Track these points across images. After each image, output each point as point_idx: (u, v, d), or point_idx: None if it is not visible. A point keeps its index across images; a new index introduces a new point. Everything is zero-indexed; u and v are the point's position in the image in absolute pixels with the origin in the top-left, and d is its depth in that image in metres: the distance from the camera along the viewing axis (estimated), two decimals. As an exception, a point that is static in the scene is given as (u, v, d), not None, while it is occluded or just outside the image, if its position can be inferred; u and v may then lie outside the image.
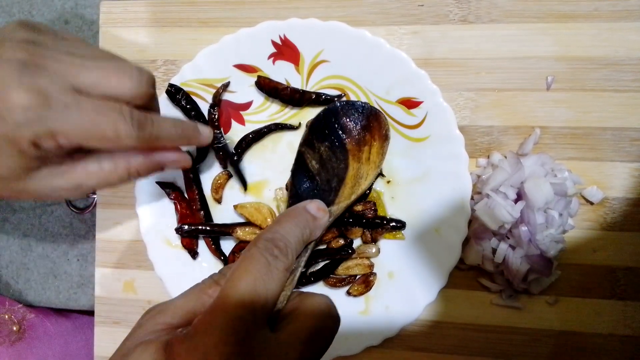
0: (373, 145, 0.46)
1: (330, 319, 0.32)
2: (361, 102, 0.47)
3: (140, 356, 0.28)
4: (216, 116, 0.49)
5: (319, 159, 0.46)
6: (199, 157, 0.50)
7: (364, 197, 0.49)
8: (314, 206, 0.39)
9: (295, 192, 0.45)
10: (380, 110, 0.47)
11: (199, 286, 0.33)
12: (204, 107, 0.50)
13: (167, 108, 0.50)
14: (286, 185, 0.49)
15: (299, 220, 0.37)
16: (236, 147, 0.50)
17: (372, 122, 0.46)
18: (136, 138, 0.35)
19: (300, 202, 0.40)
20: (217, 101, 0.49)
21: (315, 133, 0.46)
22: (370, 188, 0.49)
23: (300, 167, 0.46)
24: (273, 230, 0.35)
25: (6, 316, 0.56)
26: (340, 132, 0.46)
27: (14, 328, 0.55)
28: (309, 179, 0.45)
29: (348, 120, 0.46)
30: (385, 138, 0.46)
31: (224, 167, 0.50)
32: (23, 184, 0.35)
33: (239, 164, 0.50)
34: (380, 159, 0.46)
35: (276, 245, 0.33)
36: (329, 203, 0.44)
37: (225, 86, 0.49)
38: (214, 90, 0.50)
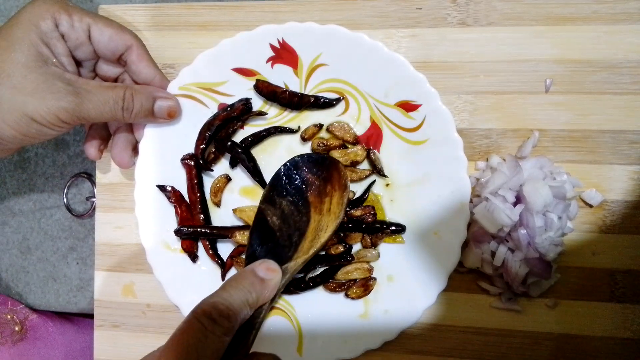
0: (334, 195, 0.46)
1: None
2: (319, 154, 0.47)
3: None
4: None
5: (280, 214, 0.46)
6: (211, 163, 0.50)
7: (361, 202, 0.49)
8: (263, 267, 0.40)
9: (252, 251, 0.45)
10: (339, 161, 0.47)
11: None
12: (203, 111, 0.50)
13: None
14: None
15: (244, 285, 0.37)
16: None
17: (333, 172, 0.47)
18: None
19: (250, 264, 0.40)
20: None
21: (275, 189, 0.46)
22: (368, 191, 0.49)
23: (259, 225, 0.46)
24: (215, 295, 0.35)
25: (8, 316, 0.56)
26: (302, 184, 0.46)
27: (16, 328, 0.55)
28: (268, 236, 0.45)
29: (308, 172, 0.47)
30: (344, 188, 0.46)
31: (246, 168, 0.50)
32: None
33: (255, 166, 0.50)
34: (340, 209, 0.46)
35: (216, 308, 0.33)
36: (286, 259, 0.44)
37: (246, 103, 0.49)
38: (212, 94, 0.50)
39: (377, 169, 0.48)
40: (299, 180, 0.47)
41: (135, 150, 0.50)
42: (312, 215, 0.46)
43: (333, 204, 0.46)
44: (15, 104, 0.39)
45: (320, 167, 0.47)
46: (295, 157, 0.47)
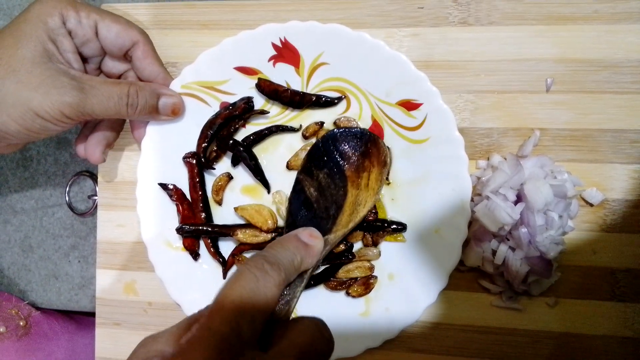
0: (372, 171, 0.46)
1: (321, 341, 0.32)
2: (360, 129, 0.47)
3: None
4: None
5: (318, 187, 0.46)
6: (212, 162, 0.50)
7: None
8: (307, 233, 0.39)
9: (292, 220, 0.45)
10: (379, 137, 0.47)
11: (193, 316, 0.32)
12: (205, 110, 0.50)
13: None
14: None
15: (290, 246, 0.37)
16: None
17: (371, 148, 0.46)
18: None
19: (292, 231, 0.40)
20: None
21: (313, 161, 0.46)
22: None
23: (297, 194, 0.46)
24: (263, 252, 0.34)
25: (13, 312, 0.56)
26: (339, 158, 0.46)
27: (21, 323, 0.55)
28: (306, 206, 0.45)
29: (347, 146, 0.46)
30: (384, 164, 0.46)
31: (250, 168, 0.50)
32: None
33: (258, 166, 0.50)
34: (379, 185, 0.46)
35: (267, 260, 0.32)
36: (326, 231, 0.43)
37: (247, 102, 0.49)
38: (214, 93, 0.50)
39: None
40: (336, 153, 0.46)
41: (110, 147, 0.50)
42: (350, 190, 0.46)
43: (371, 180, 0.46)
44: (20, 99, 0.39)
45: (359, 141, 0.46)
46: (334, 129, 0.47)
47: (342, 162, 0.46)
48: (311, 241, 0.38)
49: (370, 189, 0.46)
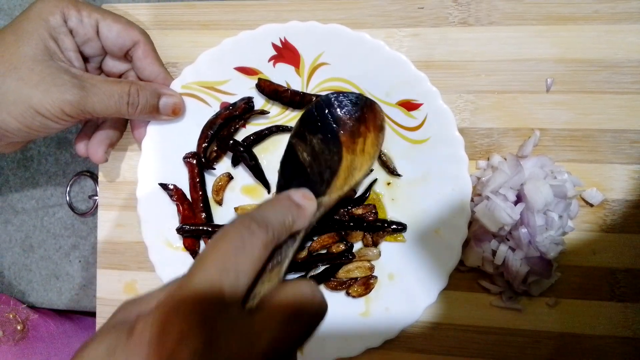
0: (368, 136, 0.45)
1: (312, 301, 0.30)
2: (355, 93, 0.46)
3: (103, 339, 0.27)
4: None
5: (311, 151, 0.44)
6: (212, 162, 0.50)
7: (362, 200, 0.49)
8: (300, 194, 0.37)
9: (284, 182, 0.44)
10: (375, 102, 0.46)
11: (176, 278, 0.30)
12: (205, 110, 0.50)
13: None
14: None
15: (281, 206, 0.35)
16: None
17: (367, 113, 0.45)
18: None
19: (285, 191, 0.38)
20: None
21: (307, 125, 0.45)
22: (369, 190, 0.49)
23: (290, 158, 0.45)
24: (252, 211, 0.33)
25: (10, 315, 0.56)
26: (334, 124, 0.45)
27: (18, 327, 0.55)
28: (299, 170, 0.44)
29: (341, 111, 0.45)
30: (380, 129, 0.45)
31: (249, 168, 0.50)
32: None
33: (258, 166, 0.50)
34: (375, 150, 0.45)
35: (254, 220, 0.31)
36: (319, 193, 0.42)
37: (247, 102, 0.49)
38: (214, 93, 0.50)
39: (390, 169, 0.48)
40: (330, 118, 0.45)
41: (112, 146, 0.50)
42: (344, 155, 0.44)
43: (367, 145, 0.44)
44: (21, 96, 0.40)
45: (354, 106, 0.45)
46: (329, 93, 0.46)
47: (336, 127, 0.45)
48: (304, 202, 0.37)
49: (366, 154, 0.44)
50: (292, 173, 0.44)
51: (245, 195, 0.51)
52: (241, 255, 0.29)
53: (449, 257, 0.46)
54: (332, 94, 0.46)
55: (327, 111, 0.45)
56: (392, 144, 0.49)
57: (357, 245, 0.49)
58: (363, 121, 0.45)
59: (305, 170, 0.44)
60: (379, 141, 0.45)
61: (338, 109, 0.45)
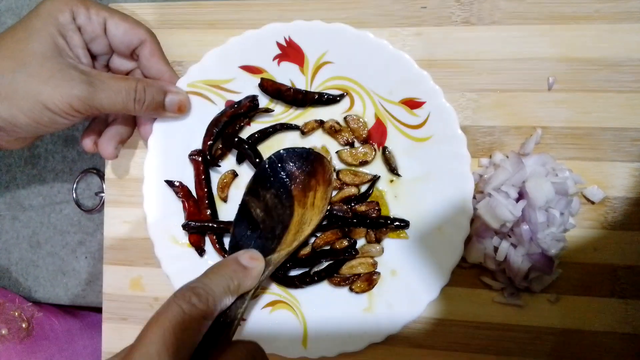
0: (318, 189, 0.47)
1: None
2: (305, 148, 0.48)
3: None
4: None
5: (264, 207, 0.46)
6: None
7: (365, 197, 0.49)
8: (247, 256, 0.39)
9: (236, 242, 0.45)
10: (324, 156, 0.48)
11: (119, 353, 0.31)
12: (210, 108, 0.51)
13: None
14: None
15: (226, 271, 0.37)
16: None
17: (317, 166, 0.47)
18: None
19: (234, 254, 0.40)
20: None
21: (260, 182, 0.47)
22: (372, 187, 0.49)
23: (242, 216, 0.46)
24: (195, 281, 0.35)
25: (16, 313, 0.57)
26: (286, 178, 0.47)
27: (23, 325, 0.56)
28: (252, 227, 0.45)
29: (293, 166, 0.47)
30: (328, 182, 0.47)
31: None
32: None
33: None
34: (324, 203, 0.46)
35: (195, 293, 0.32)
36: (270, 251, 0.44)
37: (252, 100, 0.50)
38: (220, 91, 0.51)
39: (391, 168, 0.49)
40: (283, 173, 0.47)
41: (123, 143, 0.51)
42: (296, 209, 0.46)
43: (317, 198, 0.46)
44: (30, 92, 0.40)
45: (305, 161, 0.47)
46: (280, 150, 0.47)
47: (288, 181, 0.47)
48: (251, 264, 0.39)
49: (315, 207, 0.46)
50: (245, 231, 0.45)
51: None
52: (181, 331, 0.30)
53: (451, 254, 0.47)
54: (284, 149, 0.47)
55: (280, 166, 0.47)
56: (395, 142, 0.49)
57: (361, 242, 0.50)
58: (313, 175, 0.47)
59: (258, 226, 0.45)
60: (327, 195, 0.47)
61: (290, 163, 0.47)
